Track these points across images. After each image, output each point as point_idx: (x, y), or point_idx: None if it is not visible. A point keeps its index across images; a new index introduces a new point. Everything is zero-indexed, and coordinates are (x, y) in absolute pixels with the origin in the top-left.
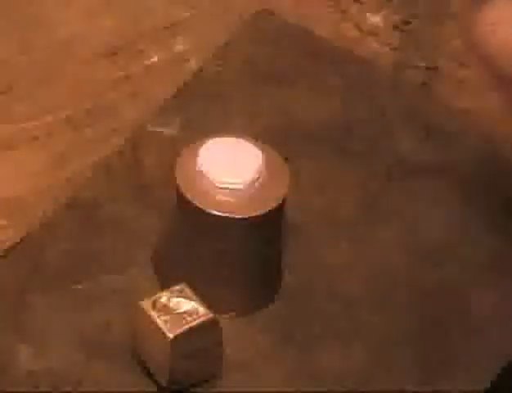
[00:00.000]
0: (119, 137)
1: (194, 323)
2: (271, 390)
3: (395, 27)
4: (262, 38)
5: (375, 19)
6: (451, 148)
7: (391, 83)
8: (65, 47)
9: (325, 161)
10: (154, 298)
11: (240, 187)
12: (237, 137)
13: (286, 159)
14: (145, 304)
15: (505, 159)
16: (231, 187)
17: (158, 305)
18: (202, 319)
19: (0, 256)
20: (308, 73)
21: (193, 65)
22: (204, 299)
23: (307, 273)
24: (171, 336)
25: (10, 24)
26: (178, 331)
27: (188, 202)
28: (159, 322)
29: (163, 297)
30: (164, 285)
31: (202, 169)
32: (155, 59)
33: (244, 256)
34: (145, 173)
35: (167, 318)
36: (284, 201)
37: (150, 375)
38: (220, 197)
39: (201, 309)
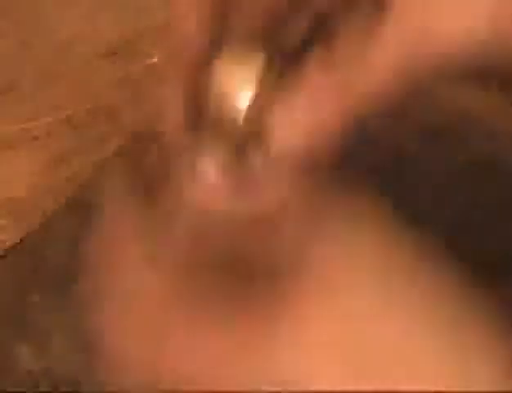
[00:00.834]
0: (119, 137)
1: None
2: None
3: None
4: None
5: None
6: (451, 148)
7: None
8: (65, 47)
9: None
10: None
11: None
12: None
13: None
14: None
15: (505, 159)
16: None
17: None
18: None
19: (0, 256)
20: None
21: None
22: None
23: None
24: None
25: (10, 24)
26: None
27: None
28: None
29: None
30: None
31: None
32: (155, 59)
33: None
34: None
35: None
36: None
37: None
38: None
39: None
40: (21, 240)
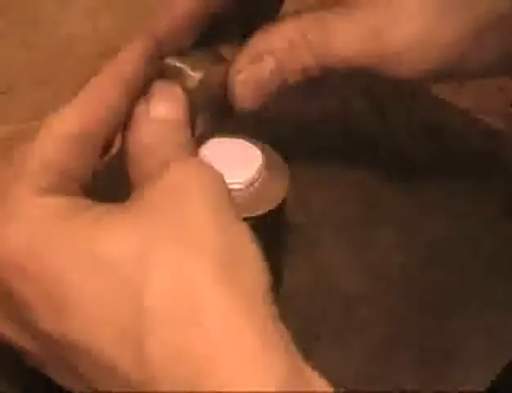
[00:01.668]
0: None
1: None
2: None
3: None
4: None
5: None
6: (451, 148)
7: (391, 82)
8: (65, 47)
9: (325, 161)
10: None
11: (240, 187)
12: (237, 137)
13: (286, 159)
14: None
15: (505, 159)
16: (230, 187)
17: None
18: None
19: None
20: None
21: None
22: None
23: (307, 273)
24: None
25: (10, 24)
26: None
27: None
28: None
29: None
30: None
31: None
32: None
33: None
34: None
35: None
36: (284, 200)
37: None
38: None
39: None
40: None
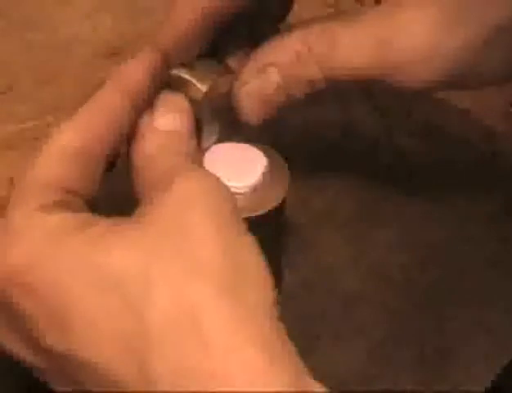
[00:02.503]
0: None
1: None
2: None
3: None
4: None
5: None
6: (451, 148)
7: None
8: (65, 47)
9: (325, 161)
10: None
11: (245, 191)
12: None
13: (287, 159)
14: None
15: (505, 159)
16: (234, 190)
17: None
18: None
19: None
20: None
21: None
22: None
23: (307, 273)
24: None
25: (10, 24)
26: None
27: None
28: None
29: None
30: None
31: None
32: None
33: None
34: None
35: None
36: (284, 200)
37: None
38: None
39: None
40: None
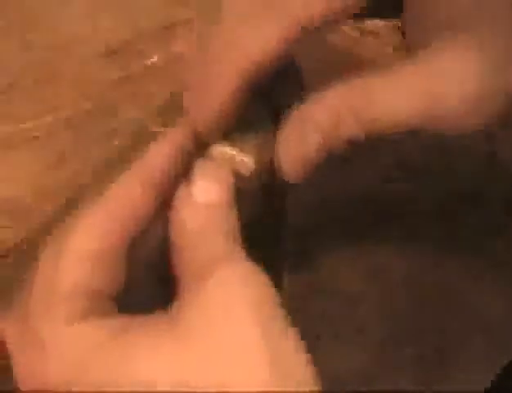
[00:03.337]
0: (119, 137)
1: None
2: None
3: (395, 27)
4: None
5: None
6: (451, 148)
7: None
8: (65, 47)
9: (324, 161)
10: None
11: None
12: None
13: None
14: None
15: (505, 159)
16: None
17: None
18: None
19: (0, 256)
20: None
21: None
22: None
23: (307, 273)
24: None
25: (10, 24)
26: None
27: None
28: None
29: None
30: None
31: None
32: (155, 59)
33: None
34: None
35: None
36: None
37: None
38: None
39: None
40: (21, 240)
